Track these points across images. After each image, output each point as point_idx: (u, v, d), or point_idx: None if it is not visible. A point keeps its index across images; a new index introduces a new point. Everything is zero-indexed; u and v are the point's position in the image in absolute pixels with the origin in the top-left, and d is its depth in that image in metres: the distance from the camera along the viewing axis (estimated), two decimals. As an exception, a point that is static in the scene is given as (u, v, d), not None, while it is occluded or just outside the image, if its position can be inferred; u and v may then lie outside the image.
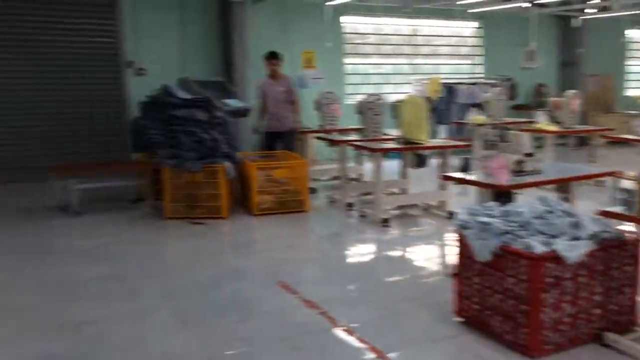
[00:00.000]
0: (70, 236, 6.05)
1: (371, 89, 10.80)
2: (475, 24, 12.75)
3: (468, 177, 4.41)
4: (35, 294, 4.45)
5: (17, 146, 8.78)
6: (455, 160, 6.67)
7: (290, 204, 6.76)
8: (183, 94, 6.90)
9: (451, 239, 5.68)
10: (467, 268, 3.57)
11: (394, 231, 6.12)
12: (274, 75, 7.64)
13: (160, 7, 9.60)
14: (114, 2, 9.28)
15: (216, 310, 4.13)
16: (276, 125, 7.64)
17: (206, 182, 6.48)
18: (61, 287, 4.60)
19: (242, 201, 6.97)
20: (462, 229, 3.53)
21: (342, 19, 11.20)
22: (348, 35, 11.50)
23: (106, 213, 6.83)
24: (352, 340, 3.59)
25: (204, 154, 6.51)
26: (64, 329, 3.83)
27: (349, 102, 10.43)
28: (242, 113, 8.47)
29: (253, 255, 5.52)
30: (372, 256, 5.71)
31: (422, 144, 6.30)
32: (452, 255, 4.93)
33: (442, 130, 10.79)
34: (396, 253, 5.57)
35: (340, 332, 3.70)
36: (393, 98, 8.43)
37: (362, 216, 6.60)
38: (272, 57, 7.60)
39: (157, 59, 9.49)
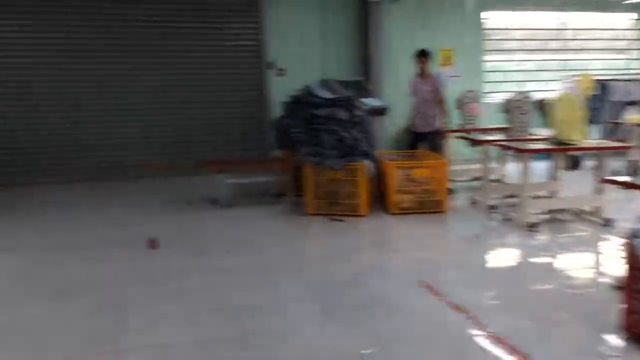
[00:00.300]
0: (221, 227, 6.43)
1: (513, 87, 10.30)
2: (634, 16, 11.65)
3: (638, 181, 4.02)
4: (195, 279, 4.78)
5: (172, 143, 9.52)
6: (613, 163, 6.16)
7: (428, 204, 6.65)
8: (325, 94, 7.06)
9: (608, 247, 5.27)
10: (636, 281, 3.25)
11: (542, 237, 5.77)
12: (422, 74, 7.53)
13: (301, 7, 9.89)
14: (257, 5, 9.71)
15: (359, 307, 4.15)
16: (422, 125, 7.50)
17: (346, 180, 6.57)
18: (217, 273, 4.90)
19: (380, 200, 6.96)
20: (632, 238, 3.23)
21: (483, 14, 10.79)
22: (489, 31, 11.05)
23: (252, 207, 7.18)
24: (501, 349, 3.43)
25: (344, 152, 6.61)
26: (221, 314, 4.07)
27: (489, 101, 10.05)
28: (380, 112, 8.49)
29: (393, 254, 5.49)
30: (517, 262, 5.42)
31: (576, 144, 5.86)
32: (612, 266, 4.57)
33: (594, 130, 9.98)
34: (544, 260, 5.24)
35: (488, 339, 3.55)
36: (539, 96, 7.98)
37: (506, 219, 6.30)
38: (421, 54, 7.48)
39: (297, 59, 9.81)
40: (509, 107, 6.74)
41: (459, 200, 7.29)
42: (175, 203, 7.48)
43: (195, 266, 5.12)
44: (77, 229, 6.41)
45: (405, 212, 6.59)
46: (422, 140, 7.53)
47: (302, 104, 7.07)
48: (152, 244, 5.66)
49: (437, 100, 7.44)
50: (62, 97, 9.03)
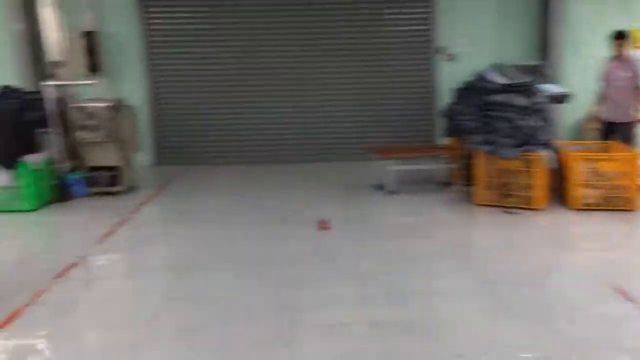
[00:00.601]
0: (388, 213, 6.44)
1: None
2: None
3: None
4: (364, 261, 4.85)
5: (338, 129, 9.74)
6: None
7: (616, 201, 6.02)
8: (500, 79, 6.70)
9: None
10: None
11: None
12: (619, 57, 6.79)
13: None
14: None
15: (536, 306, 3.90)
16: (616, 114, 6.76)
17: (521, 170, 6.20)
18: (384, 257, 4.93)
19: (559, 193, 6.46)
20: None
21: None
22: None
23: (418, 194, 7.08)
24: None
25: (520, 141, 6.23)
26: (391, 299, 4.08)
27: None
28: (560, 99, 7.86)
29: (576, 252, 5.07)
30: None
31: None
32: None
33: None
34: None
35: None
36: None
37: None
38: (619, 36, 6.72)
39: (469, 43, 9.44)
40: None
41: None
42: (341, 187, 7.64)
43: (363, 249, 5.18)
44: (257, 206, 6.83)
45: (588, 208, 6.05)
46: (615, 131, 6.79)
47: (475, 89, 6.79)
48: (323, 224, 5.85)
49: (635, 86, 6.65)
50: (254, 89, 9.65)
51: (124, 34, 9.26)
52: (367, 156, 7.78)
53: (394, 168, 7.13)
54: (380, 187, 7.30)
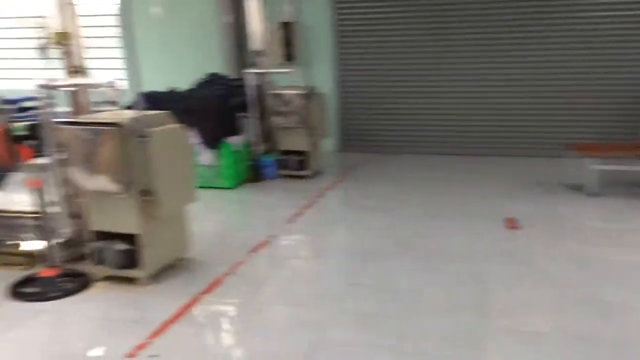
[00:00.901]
0: (588, 216, 5.82)
1: None
2: None
3: None
4: (565, 268, 4.45)
5: (530, 122, 9.07)
6: None
7: None
8: None
9: None
10: None
11: None
12: None
13: None
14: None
15: None
16: None
17: None
18: (587, 265, 4.48)
19: None
20: None
21: None
22: None
23: (624, 198, 6.30)
24: None
25: None
26: (599, 310, 3.70)
27: None
28: None
29: None
30: None
31: None
32: None
33: None
34: None
35: None
36: None
37: None
38: None
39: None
40: None
41: None
42: (535, 184, 7.09)
43: (558, 252, 4.76)
44: (440, 197, 6.67)
45: None
46: None
47: None
48: (512, 223, 5.49)
49: None
50: (441, 78, 9.42)
51: (317, 24, 9.62)
52: (560, 153, 7.12)
53: (597, 167, 6.43)
54: (578, 188, 6.64)
